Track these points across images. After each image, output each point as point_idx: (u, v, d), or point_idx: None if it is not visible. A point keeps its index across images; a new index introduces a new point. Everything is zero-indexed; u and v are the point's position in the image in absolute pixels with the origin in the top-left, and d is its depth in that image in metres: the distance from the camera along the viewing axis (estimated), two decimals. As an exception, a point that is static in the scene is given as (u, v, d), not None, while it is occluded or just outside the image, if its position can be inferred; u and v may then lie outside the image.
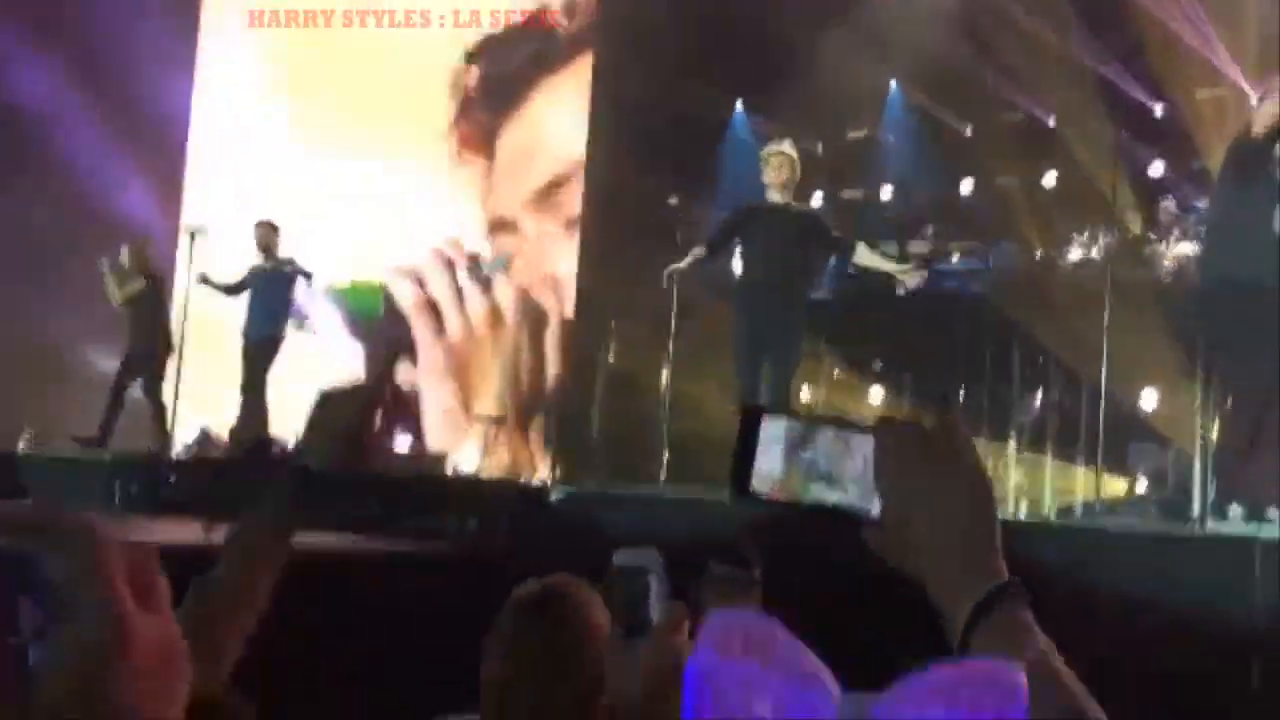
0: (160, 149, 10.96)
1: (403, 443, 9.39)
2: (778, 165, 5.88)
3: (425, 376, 9.96)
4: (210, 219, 8.97)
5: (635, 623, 1.47)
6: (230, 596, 1.26)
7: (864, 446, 0.88)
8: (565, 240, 10.27)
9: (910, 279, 6.00)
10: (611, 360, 9.77)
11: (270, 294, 8.44)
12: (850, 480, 0.88)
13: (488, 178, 10.58)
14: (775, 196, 5.95)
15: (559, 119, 10.36)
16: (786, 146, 6.06)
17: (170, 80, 11.05)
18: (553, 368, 10.17)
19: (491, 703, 1.81)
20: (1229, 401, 4.77)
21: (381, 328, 10.24)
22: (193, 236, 8.26)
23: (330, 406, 1.35)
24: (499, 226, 10.42)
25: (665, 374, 6.62)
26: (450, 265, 10.06)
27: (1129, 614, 3.37)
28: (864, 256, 6.13)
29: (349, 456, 1.33)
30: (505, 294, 10.09)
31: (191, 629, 1.20)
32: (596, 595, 1.79)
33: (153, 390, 8.52)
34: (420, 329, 9.99)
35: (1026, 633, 0.79)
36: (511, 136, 10.51)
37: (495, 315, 9.99)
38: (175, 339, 8.57)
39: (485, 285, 10.06)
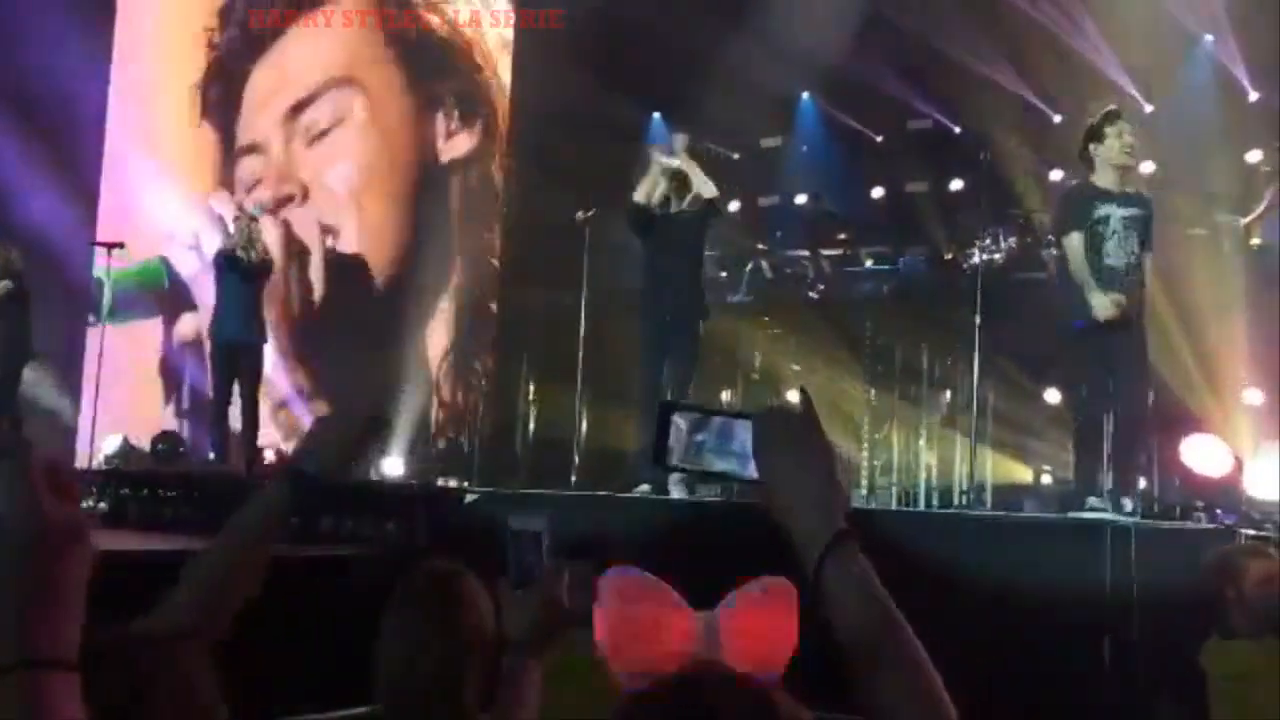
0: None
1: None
2: (662, 176, 6.17)
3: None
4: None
5: (526, 574, 1.73)
6: (228, 569, 1.53)
7: (742, 430, 1.22)
8: (308, 153, 10.79)
9: (706, 188, 6.13)
10: (531, 397, 10.26)
11: (246, 291, 7.63)
12: (732, 454, 1.22)
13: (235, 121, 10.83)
14: (667, 206, 6.25)
15: (306, 53, 10.84)
16: (660, 157, 6.31)
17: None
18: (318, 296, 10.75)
19: (390, 674, 1.99)
20: (1082, 409, 5.15)
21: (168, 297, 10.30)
22: (110, 249, 8.10)
23: (329, 426, 1.70)
24: (247, 150, 10.74)
25: (578, 404, 7.16)
26: (222, 221, 10.11)
27: (995, 591, 3.65)
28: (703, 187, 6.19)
29: (341, 468, 1.66)
30: (270, 234, 10.14)
31: (191, 597, 1.42)
32: (470, 573, 2.04)
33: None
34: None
35: (860, 564, 1.13)
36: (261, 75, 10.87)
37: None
38: (98, 346, 8.43)
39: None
